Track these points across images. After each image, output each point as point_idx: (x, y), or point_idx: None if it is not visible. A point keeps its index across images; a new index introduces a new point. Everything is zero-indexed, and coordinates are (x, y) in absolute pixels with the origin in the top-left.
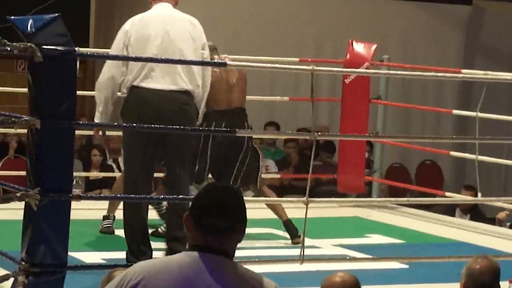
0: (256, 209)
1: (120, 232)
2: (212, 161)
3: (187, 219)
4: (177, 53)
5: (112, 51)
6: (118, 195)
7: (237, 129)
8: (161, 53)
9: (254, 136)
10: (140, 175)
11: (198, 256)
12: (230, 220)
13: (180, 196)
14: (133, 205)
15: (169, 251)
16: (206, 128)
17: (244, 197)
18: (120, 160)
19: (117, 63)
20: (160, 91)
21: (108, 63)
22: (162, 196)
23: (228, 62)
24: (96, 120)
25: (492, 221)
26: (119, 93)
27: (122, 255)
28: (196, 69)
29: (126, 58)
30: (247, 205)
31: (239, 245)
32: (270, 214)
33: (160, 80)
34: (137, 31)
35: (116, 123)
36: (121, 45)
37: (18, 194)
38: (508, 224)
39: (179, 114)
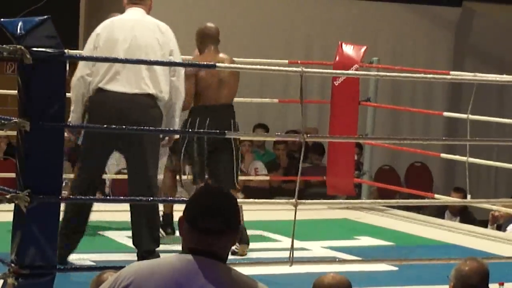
0: (245, 211)
1: (109, 234)
2: (200, 158)
3: (181, 221)
4: (143, 58)
5: (83, 52)
6: (113, 197)
7: (225, 131)
8: (128, 57)
9: (243, 138)
10: (94, 174)
11: (191, 259)
12: (224, 222)
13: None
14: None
15: None
16: (196, 130)
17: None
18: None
19: (87, 63)
20: (124, 94)
21: (80, 63)
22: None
23: (218, 65)
24: (69, 119)
25: (482, 223)
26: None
27: (111, 256)
28: (161, 75)
29: (115, 60)
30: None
31: None
32: (259, 216)
33: (124, 83)
34: (107, 34)
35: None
36: (92, 46)
37: (8, 196)
38: (495, 225)
39: (141, 116)
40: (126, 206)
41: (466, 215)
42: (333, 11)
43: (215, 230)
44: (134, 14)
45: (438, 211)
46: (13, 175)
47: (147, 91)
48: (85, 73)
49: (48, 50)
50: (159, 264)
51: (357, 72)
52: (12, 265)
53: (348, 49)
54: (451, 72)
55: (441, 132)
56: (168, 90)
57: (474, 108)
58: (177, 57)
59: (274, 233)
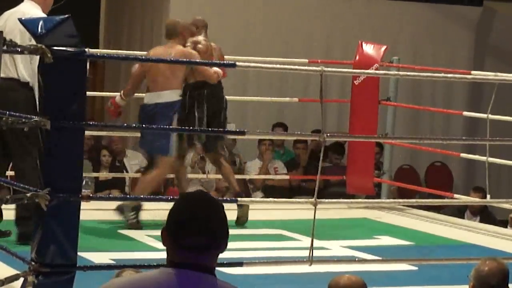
0: (264, 210)
1: (129, 232)
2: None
3: (164, 234)
4: None
5: None
6: (132, 196)
7: (245, 131)
8: None
9: (263, 137)
10: None
11: (176, 273)
12: (209, 237)
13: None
14: None
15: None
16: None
17: (218, 203)
18: (126, 160)
19: None
20: None
21: None
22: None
23: (238, 64)
24: None
25: (502, 223)
26: None
27: (131, 255)
28: (19, 60)
29: (125, 59)
30: (255, 206)
31: (248, 246)
32: (278, 216)
33: None
34: None
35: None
36: None
37: (28, 195)
38: None
39: (1, 98)
40: (147, 205)
41: (486, 215)
42: (354, 10)
43: (201, 245)
44: (21, 5)
45: (458, 211)
46: None
47: (9, 75)
48: None
49: (68, 49)
50: (142, 279)
51: (377, 71)
52: (33, 263)
53: (368, 48)
54: (472, 72)
55: (461, 132)
56: (28, 74)
57: (494, 108)
58: None
59: (294, 232)
